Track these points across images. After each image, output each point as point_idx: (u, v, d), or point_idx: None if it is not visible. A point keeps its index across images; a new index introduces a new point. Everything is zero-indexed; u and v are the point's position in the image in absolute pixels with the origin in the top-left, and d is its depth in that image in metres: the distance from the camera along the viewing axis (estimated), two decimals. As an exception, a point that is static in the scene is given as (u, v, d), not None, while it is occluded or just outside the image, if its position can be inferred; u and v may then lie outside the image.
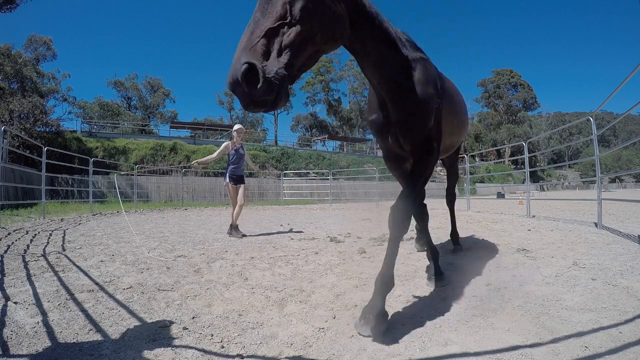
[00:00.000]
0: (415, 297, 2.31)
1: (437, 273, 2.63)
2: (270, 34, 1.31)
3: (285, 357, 1.56)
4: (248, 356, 1.57)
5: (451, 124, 2.69)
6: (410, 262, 3.36)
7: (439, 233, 5.39)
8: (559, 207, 11.04)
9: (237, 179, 5.92)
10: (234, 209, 5.79)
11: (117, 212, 11.51)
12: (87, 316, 2.02)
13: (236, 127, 6.08)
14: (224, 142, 5.89)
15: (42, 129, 20.98)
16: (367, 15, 1.71)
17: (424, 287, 2.53)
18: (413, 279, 2.75)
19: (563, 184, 50.61)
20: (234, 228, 5.68)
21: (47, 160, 8.66)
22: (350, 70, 49.49)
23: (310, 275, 2.96)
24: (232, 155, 5.96)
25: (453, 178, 4.05)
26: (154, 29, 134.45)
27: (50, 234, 5.59)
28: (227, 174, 5.89)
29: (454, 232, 3.89)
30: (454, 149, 3.50)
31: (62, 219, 8.32)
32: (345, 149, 42.10)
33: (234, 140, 5.98)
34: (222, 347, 1.66)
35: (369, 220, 7.71)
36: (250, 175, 25.22)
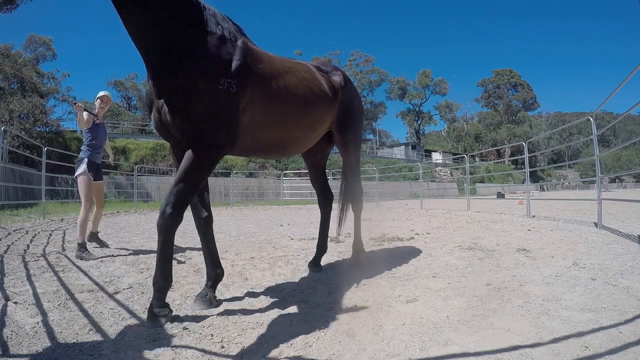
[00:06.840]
0: (415, 297, 2.31)
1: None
2: None
3: (285, 357, 1.56)
4: (248, 356, 1.57)
5: (276, 112, 2.25)
6: (410, 262, 3.37)
7: (439, 233, 5.39)
8: (559, 207, 11.04)
9: (98, 171, 4.27)
10: (87, 212, 4.02)
11: (117, 212, 11.51)
12: (87, 316, 2.02)
13: (101, 93, 4.26)
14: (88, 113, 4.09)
15: (42, 129, 20.99)
16: None
17: (424, 287, 2.53)
18: (413, 279, 2.75)
19: (563, 184, 50.62)
20: (95, 237, 4.35)
21: (47, 160, 8.67)
22: (350, 70, 49.45)
23: (310, 275, 2.97)
24: (92, 134, 4.13)
25: (348, 194, 3.54)
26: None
27: (50, 234, 5.60)
28: (86, 161, 4.03)
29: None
30: (304, 146, 2.76)
31: (62, 219, 8.33)
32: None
33: (97, 111, 4.23)
34: (222, 347, 1.66)
35: (369, 220, 7.70)
36: (251, 175, 25.24)
